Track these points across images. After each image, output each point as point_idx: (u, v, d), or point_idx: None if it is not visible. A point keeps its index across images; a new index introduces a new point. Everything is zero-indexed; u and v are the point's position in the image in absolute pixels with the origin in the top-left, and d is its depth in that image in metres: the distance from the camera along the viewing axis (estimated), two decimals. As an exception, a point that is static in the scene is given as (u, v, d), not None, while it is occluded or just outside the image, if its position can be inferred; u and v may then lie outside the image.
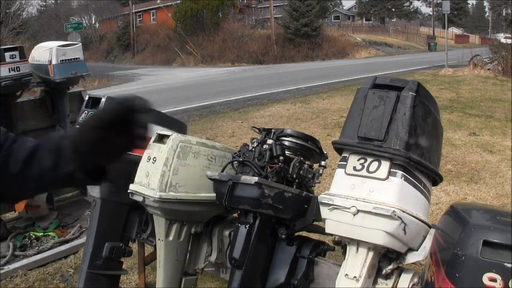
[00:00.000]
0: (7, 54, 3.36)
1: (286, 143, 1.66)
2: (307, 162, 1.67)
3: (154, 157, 1.78)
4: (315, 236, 1.74)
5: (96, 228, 2.13)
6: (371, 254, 1.33)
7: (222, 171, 1.73)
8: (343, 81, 14.43)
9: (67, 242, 3.52)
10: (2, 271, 3.07)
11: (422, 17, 64.02)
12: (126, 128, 0.91)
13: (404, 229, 1.25)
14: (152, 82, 18.95)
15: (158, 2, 41.47)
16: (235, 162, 1.67)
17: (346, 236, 1.33)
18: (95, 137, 0.90)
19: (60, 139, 0.95)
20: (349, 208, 1.28)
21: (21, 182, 0.94)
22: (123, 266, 2.27)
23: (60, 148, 0.93)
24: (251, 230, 1.57)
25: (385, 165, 1.30)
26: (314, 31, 31.84)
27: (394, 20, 55.44)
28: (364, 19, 56.24)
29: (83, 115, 2.16)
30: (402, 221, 1.24)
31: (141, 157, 1.87)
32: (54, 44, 3.67)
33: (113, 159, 0.97)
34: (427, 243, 1.32)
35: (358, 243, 1.34)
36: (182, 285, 1.93)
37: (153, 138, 1.86)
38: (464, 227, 1.08)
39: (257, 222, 1.57)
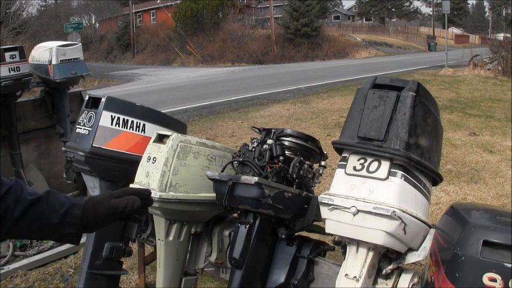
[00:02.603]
0: (7, 54, 3.36)
1: (286, 143, 1.66)
2: (307, 162, 1.67)
3: (154, 157, 1.78)
4: (315, 236, 1.74)
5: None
6: (371, 254, 1.33)
7: (222, 171, 1.73)
8: (343, 81, 14.43)
9: (67, 242, 3.52)
10: (2, 271, 3.07)
11: (422, 17, 64.01)
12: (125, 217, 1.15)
13: (404, 229, 1.25)
14: (152, 82, 18.96)
15: (158, 2, 41.48)
16: (235, 162, 1.67)
17: (346, 236, 1.33)
18: (105, 217, 1.10)
19: (71, 204, 1.07)
20: (349, 208, 1.28)
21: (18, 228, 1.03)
22: (123, 266, 2.27)
23: (68, 212, 1.05)
24: (251, 230, 1.57)
25: (385, 165, 1.30)
26: (314, 31, 31.84)
27: (394, 20, 55.44)
28: (364, 19, 56.24)
29: (83, 115, 2.16)
30: (402, 221, 1.24)
31: (141, 157, 1.87)
32: (54, 44, 3.67)
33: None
34: (427, 243, 1.32)
35: (358, 243, 1.34)
36: (182, 285, 1.93)
37: (153, 138, 1.86)
38: (464, 227, 1.08)
39: (257, 222, 1.57)
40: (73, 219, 1.06)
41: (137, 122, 2.13)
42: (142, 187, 1.24)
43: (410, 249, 1.34)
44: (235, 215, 1.96)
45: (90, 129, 2.08)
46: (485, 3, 74.80)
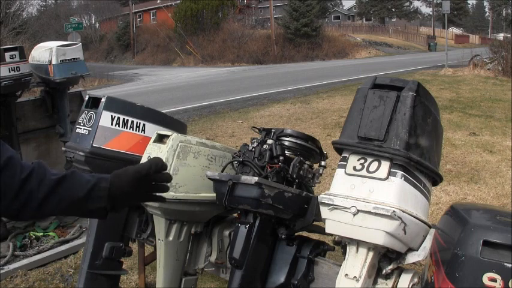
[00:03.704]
0: (7, 54, 3.36)
1: (286, 143, 1.66)
2: (307, 162, 1.67)
3: (154, 157, 1.78)
4: (315, 236, 1.74)
5: (96, 228, 2.13)
6: (371, 254, 1.33)
7: (222, 171, 1.73)
8: (343, 81, 14.43)
9: (67, 242, 3.52)
10: (2, 271, 3.07)
11: (422, 17, 64.02)
12: (151, 183, 1.14)
13: (404, 229, 1.25)
14: (152, 82, 18.96)
15: (158, 2, 41.48)
16: (235, 162, 1.67)
17: (346, 236, 1.33)
18: (132, 185, 1.10)
19: (97, 179, 1.09)
20: (349, 208, 1.28)
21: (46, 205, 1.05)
22: (123, 266, 2.27)
23: (95, 186, 1.07)
24: (251, 230, 1.57)
25: (385, 165, 1.30)
26: (314, 31, 31.84)
27: (394, 20, 55.45)
28: (364, 19, 56.25)
29: (83, 115, 2.16)
30: (402, 221, 1.24)
31: (141, 157, 1.87)
32: (54, 44, 3.67)
33: (136, 203, 1.15)
34: (427, 243, 1.32)
35: (358, 243, 1.34)
36: (182, 285, 1.93)
37: (153, 138, 1.86)
38: (464, 227, 1.08)
39: (257, 222, 1.57)
40: (101, 192, 1.07)
41: (137, 122, 2.13)
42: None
43: (410, 249, 1.34)
44: (235, 215, 1.96)
45: (90, 129, 2.08)
46: (485, 3, 74.85)
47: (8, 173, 1.01)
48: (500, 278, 0.98)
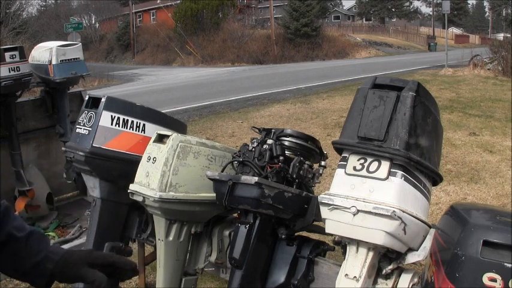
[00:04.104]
0: (7, 54, 3.36)
1: (286, 143, 1.66)
2: (307, 162, 1.67)
3: (154, 157, 1.78)
4: (315, 236, 1.74)
5: (96, 228, 2.13)
6: (371, 254, 1.33)
7: (222, 171, 1.73)
8: (343, 81, 14.43)
9: (67, 242, 3.51)
10: (2, 271, 3.07)
11: (422, 17, 64.02)
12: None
13: (404, 229, 1.25)
14: (152, 82, 18.96)
15: (158, 2, 41.48)
16: (235, 162, 1.67)
17: (346, 236, 1.33)
18: (71, 280, 1.08)
19: (44, 257, 1.06)
20: (349, 208, 1.28)
21: None
22: (123, 266, 2.26)
23: (40, 264, 1.05)
24: (251, 230, 1.57)
25: (385, 165, 1.30)
26: (314, 31, 31.83)
27: (394, 20, 55.45)
28: (364, 19, 56.25)
29: (83, 115, 2.16)
30: (402, 221, 1.24)
31: (141, 157, 1.87)
32: (54, 44, 3.66)
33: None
34: (427, 243, 1.32)
35: (358, 243, 1.34)
36: (182, 285, 1.93)
37: (153, 138, 1.86)
38: (464, 227, 1.08)
39: (257, 222, 1.57)
40: (44, 271, 1.06)
41: (137, 122, 2.13)
42: (127, 260, 1.24)
43: (410, 249, 1.34)
44: (235, 215, 1.96)
45: (90, 129, 2.08)
46: (485, 3, 74.85)
47: None
48: (500, 278, 0.98)
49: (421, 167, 1.31)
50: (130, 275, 1.18)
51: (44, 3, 50.53)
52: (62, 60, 3.61)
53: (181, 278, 1.93)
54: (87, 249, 1.23)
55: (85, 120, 2.12)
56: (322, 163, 1.73)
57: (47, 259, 1.07)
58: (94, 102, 2.15)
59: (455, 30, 52.01)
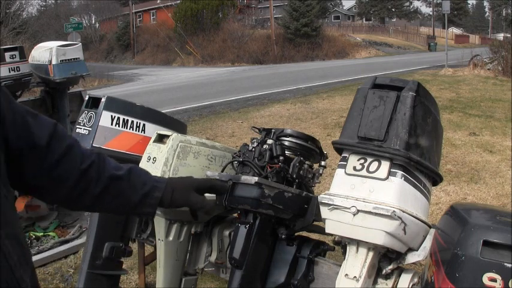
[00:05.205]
0: (7, 54, 3.37)
1: (286, 143, 1.66)
2: (307, 162, 1.67)
3: (154, 157, 1.78)
4: (315, 236, 1.74)
5: (96, 228, 2.13)
6: (371, 254, 1.33)
7: (222, 171, 1.73)
8: (343, 81, 14.43)
9: (67, 242, 3.52)
10: (2, 271, 3.07)
11: (422, 17, 64.03)
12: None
13: (404, 229, 1.25)
14: (152, 82, 18.96)
15: (158, 2, 41.49)
16: (235, 162, 1.67)
17: (346, 236, 1.33)
18: (179, 205, 1.15)
19: (152, 186, 1.12)
20: (349, 208, 1.28)
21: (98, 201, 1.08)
22: (123, 266, 2.27)
23: (149, 193, 1.11)
24: (251, 230, 1.57)
25: (385, 165, 1.30)
26: (314, 31, 31.84)
27: (394, 20, 55.47)
28: (364, 19, 56.27)
29: (83, 115, 2.15)
30: (402, 221, 1.24)
31: (141, 157, 1.87)
32: (54, 44, 3.67)
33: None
34: (427, 243, 1.32)
35: (358, 243, 1.34)
36: (182, 285, 1.93)
37: (153, 138, 1.86)
38: (464, 227, 1.08)
39: (257, 222, 1.57)
40: (152, 200, 1.11)
41: (137, 122, 2.12)
42: (222, 183, 1.35)
43: (410, 249, 1.34)
44: (235, 215, 1.96)
45: (90, 129, 2.08)
46: (485, 3, 74.85)
47: (69, 162, 1.02)
48: (500, 278, 0.98)
49: (421, 167, 1.31)
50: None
51: (44, 3, 50.57)
52: (62, 60, 3.61)
53: (181, 278, 1.93)
54: (186, 176, 1.29)
55: (85, 120, 2.12)
56: (322, 163, 1.73)
57: (154, 189, 1.11)
58: (94, 102, 2.15)
59: (455, 30, 52.02)
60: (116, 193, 1.07)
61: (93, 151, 1.10)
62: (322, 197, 1.35)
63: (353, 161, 1.35)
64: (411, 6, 55.29)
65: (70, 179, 1.03)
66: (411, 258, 1.35)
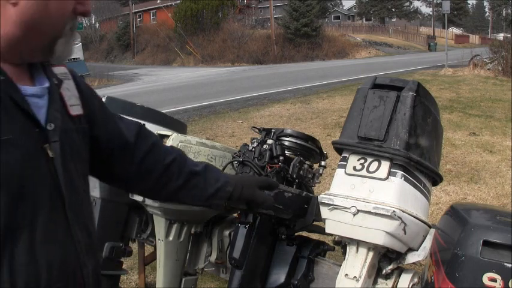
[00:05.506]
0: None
1: (286, 143, 1.66)
2: (307, 162, 1.67)
3: (154, 157, 1.78)
4: (315, 236, 1.74)
5: (96, 228, 2.13)
6: (371, 254, 1.33)
7: (222, 171, 1.72)
8: (343, 81, 14.42)
9: (67, 242, 3.51)
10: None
11: (422, 17, 64.05)
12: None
13: (404, 229, 1.25)
14: (152, 82, 18.96)
15: (158, 2, 41.48)
16: (235, 162, 1.67)
17: (346, 236, 1.33)
18: (244, 200, 1.26)
19: (224, 181, 1.24)
20: (349, 208, 1.28)
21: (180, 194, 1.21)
22: (123, 266, 2.27)
23: (222, 187, 1.22)
24: (251, 230, 1.57)
25: (385, 165, 1.30)
26: (314, 31, 31.84)
27: (394, 20, 55.49)
28: (364, 19, 56.28)
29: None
30: (402, 221, 1.24)
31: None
32: (54, 44, 3.66)
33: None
34: (427, 243, 1.32)
35: (358, 243, 1.34)
36: (182, 285, 1.93)
37: (153, 138, 1.85)
38: (464, 227, 1.08)
39: (257, 222, 1.57)
40: (224, 194, 1.22)
41: (137, 122, 2.12)
42: (274, 181, 1.44)
43: (410, 249, 1.34)
44: (235, 215, 1.96)
45: (90, 129, 2.08)
46: (485, 3, 74.86)
47: (154, 158, 1.16)
48: (500, 278, 0.98)
49: (421, 167, 1.31)
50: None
51: (44, 3, 50.48)
52: (62, 60, 3.60)
53: (181, 278, 1.93)
54: (249, 174, 1.49)
55: (85, 120, 2.12)
56: (322, 163, 1.73)
57: (226, 184, 1.23)
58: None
59: (455, 30, 52.02)
60: (193, 186, 1.19)
61: (174, 149, 1.25)
62: (322, 197, 1.35)
63: (353, 161, 1.35)
64: (411, 6, 55.32)
65: (155, 172, 1.16)
66: (411, 258, 1.35)
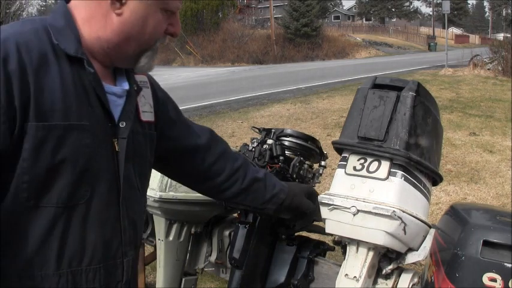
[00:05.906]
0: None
1: (286, 143, 1.66)
2: (307, 162, 1.67)
3: (154, 157, 1.78)
4: (315, 236, 1.74)
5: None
6: (371, 254, 1.33)
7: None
8: (343, 81, 14.43)
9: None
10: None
11: (422, 17, 64.07)
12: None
13: (404, 229, 1.25)
14: (152, 82, 18.91)
15: (158, 2, 41.45)
16: (235, 162, 1.67)
17: (346, 236, 1.33)
18: (293, 207, 1.39)
19: (279, 189, 1.38)
20: (349, 208, 1.28)
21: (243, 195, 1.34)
22: (123, 266, 2.26)
23: (277, 194, 1.36)
24: (251, 230, 1.57)
25: (385, 165, 1.30)
26: (314, 31, 31.85)
27: (394, 20, 55.53)
28: (364, 19, 56.32)
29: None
30: (402, 221, 1.24)
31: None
32: (54, 44, 3.66)
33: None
34: (427, 243, 1.32)
35: (358, 243, 1.34)
36: (182, 285, 1.93)
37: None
38: (464, 227, 1.08)
39: (257, 222, 1.57)
40: (278, 200, 1.35)
41: (137, 122, 2.12)
42: (314, 189, 1.57)
43: (410, 249, 1.34)
44: (235, 215, 1.96)
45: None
46: (485, 3, 74.86)
47: (224, 161, 1.30)
48: (500, 278, 0.98)
49: (421, 167, 1.31)
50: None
51: (44, 3, 50.60)
52: (62, 60, 3.60)
53: (181, 278, 1.93)
54: (297, 183, 1.56)
55: (85, 120, 2.12)
56: (322, 163, 1.73)
57: (281, 191, 1.35)
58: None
59: (455, 30, 52.03)
60: (253, 190, 1.32)
61: (240, 154, 1.39)
62: (322, 197, 1.35)
63: (353, 161, 1.35)
64: (411, 6, 55.36)
65: (223, 175, 1.29)
66: (411, 258, 1.35)
